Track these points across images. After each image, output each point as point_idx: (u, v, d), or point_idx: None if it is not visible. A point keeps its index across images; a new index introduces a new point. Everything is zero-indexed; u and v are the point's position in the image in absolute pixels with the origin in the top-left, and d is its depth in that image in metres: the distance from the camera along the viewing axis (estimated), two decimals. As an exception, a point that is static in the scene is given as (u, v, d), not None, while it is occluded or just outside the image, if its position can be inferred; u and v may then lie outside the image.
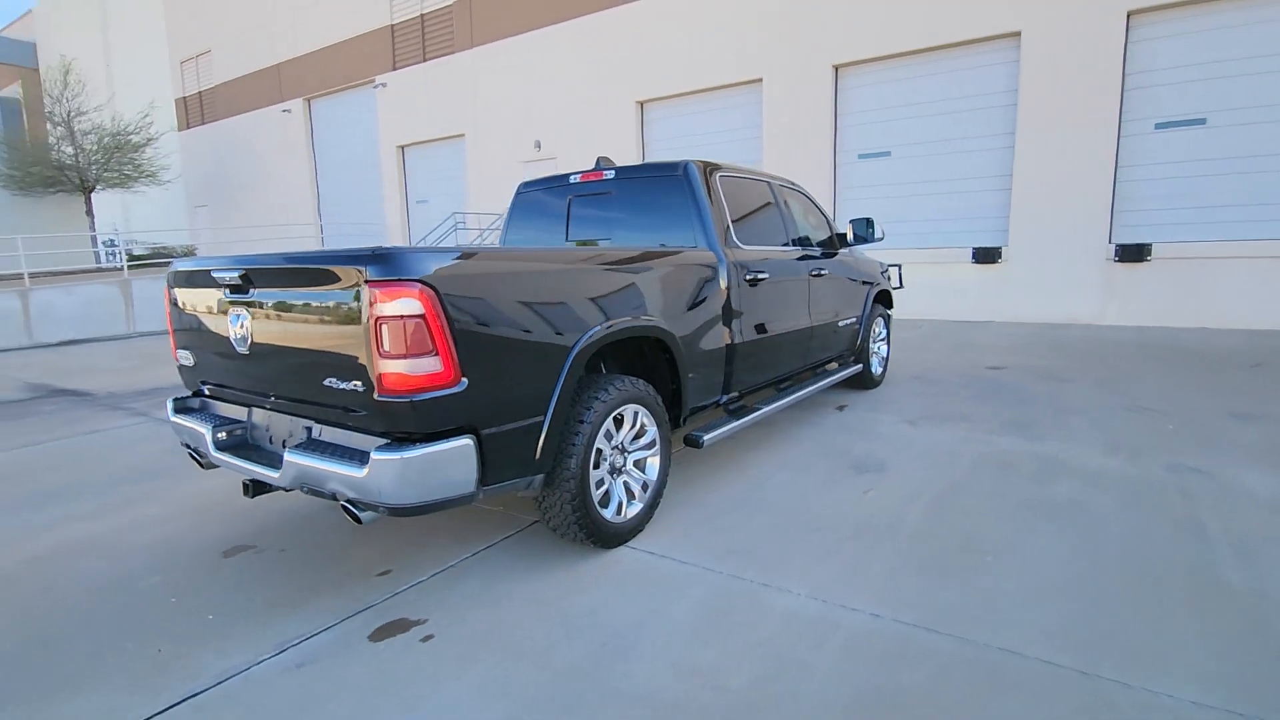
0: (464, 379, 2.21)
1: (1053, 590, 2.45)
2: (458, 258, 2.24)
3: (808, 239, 4.81)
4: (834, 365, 5.34)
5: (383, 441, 2.17)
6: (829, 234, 5.07)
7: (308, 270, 2.24)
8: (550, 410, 2.50)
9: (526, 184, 4.41)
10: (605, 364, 3.26)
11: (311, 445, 2.37)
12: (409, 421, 2.14)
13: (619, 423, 2.88)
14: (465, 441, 2.21)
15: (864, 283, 5.39)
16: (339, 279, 2.14)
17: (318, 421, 2.43)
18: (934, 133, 9.93)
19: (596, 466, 2.80)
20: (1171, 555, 2.68)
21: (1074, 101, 8.72)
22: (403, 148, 17.01)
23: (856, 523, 3.09)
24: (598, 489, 2.77)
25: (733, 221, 3.81)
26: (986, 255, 9.68)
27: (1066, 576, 2.54)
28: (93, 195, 19.85)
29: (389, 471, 2.09)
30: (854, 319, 5.23)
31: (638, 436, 3.02)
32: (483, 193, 15.16)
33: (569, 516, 2.67)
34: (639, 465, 3.06)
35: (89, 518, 3.47)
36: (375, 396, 2.12)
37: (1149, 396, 5.20)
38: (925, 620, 2.29)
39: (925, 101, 9.95)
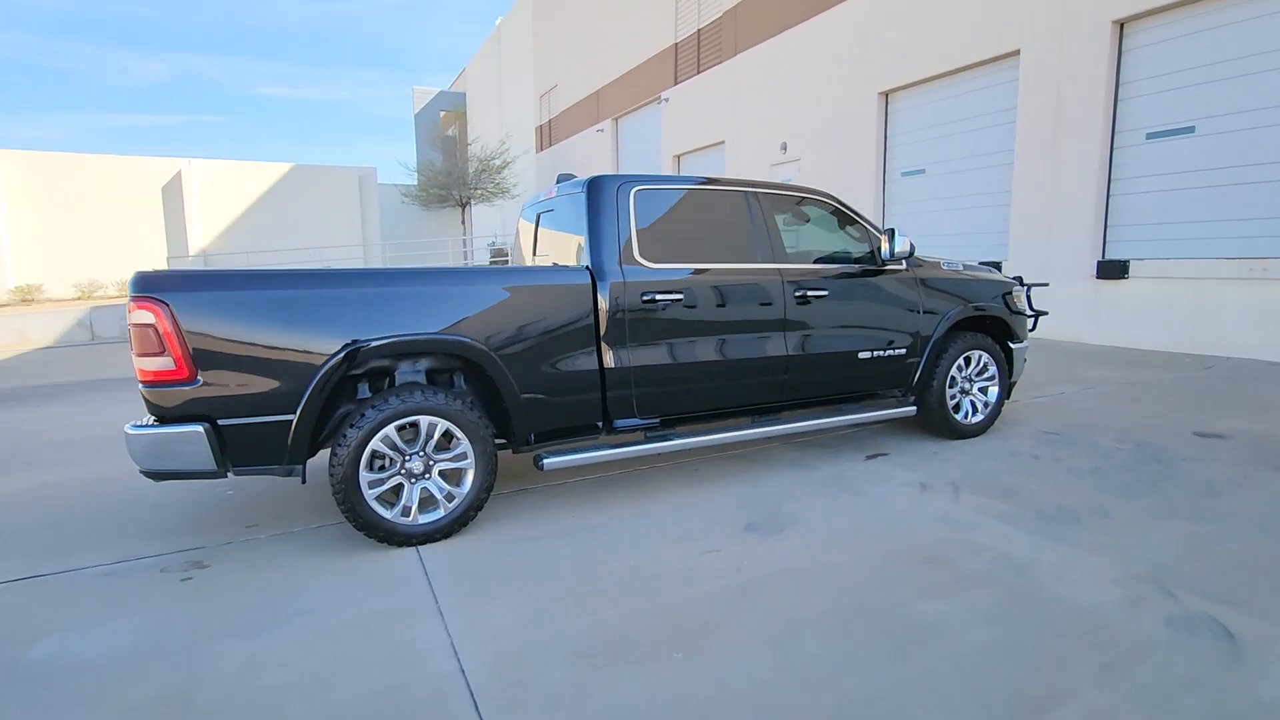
0: (199, 377, 2.72)
1: (667, 706, 1.95)
2: (203, 279, 2.75)
3: (818, 255, 4.14)
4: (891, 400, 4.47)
5: (147, 419, 2.81)
6: (869, 249, 4.24)
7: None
8: (299, 410, 2.85)
9: (527, 203, 4.69)
10: (465, 378, 3.43)
11: None
12: (152, 406, 2.74)
13: (411, 430, 3.07)
14: (196, 428, 2.73)
15: (926, 309, 4.35)
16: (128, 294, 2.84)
17: None
18: (1258, 97, 7.05)
19: (382, 469, 3.05)
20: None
21: None
22: (678, 157, 18.18)
23: (637, 582, 2.76)
24: (372, 489, 3.01)
25: (646, 239, 3.57)
26: (1337, 271, 6.56)
27: (720, 699, 1.98)
28: (468, 209, 25.61)
29: (131, 443, 2.73)
30: (901, 350, 4.28)
31: (445, 448, 3.16)
32: (736, 198, 15.40)
33: (339, 508, 2.99)
34: (449, 476, 3.20)
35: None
36: (138, 384, 2.77)
37: (1396, 513, 3.19)
38: (494, 690, 2.07)
39: (1246, 56, 7.11)
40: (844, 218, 4.26)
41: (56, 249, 20.52)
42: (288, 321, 2.84)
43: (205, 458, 2.77)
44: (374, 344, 2.93)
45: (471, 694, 2.06)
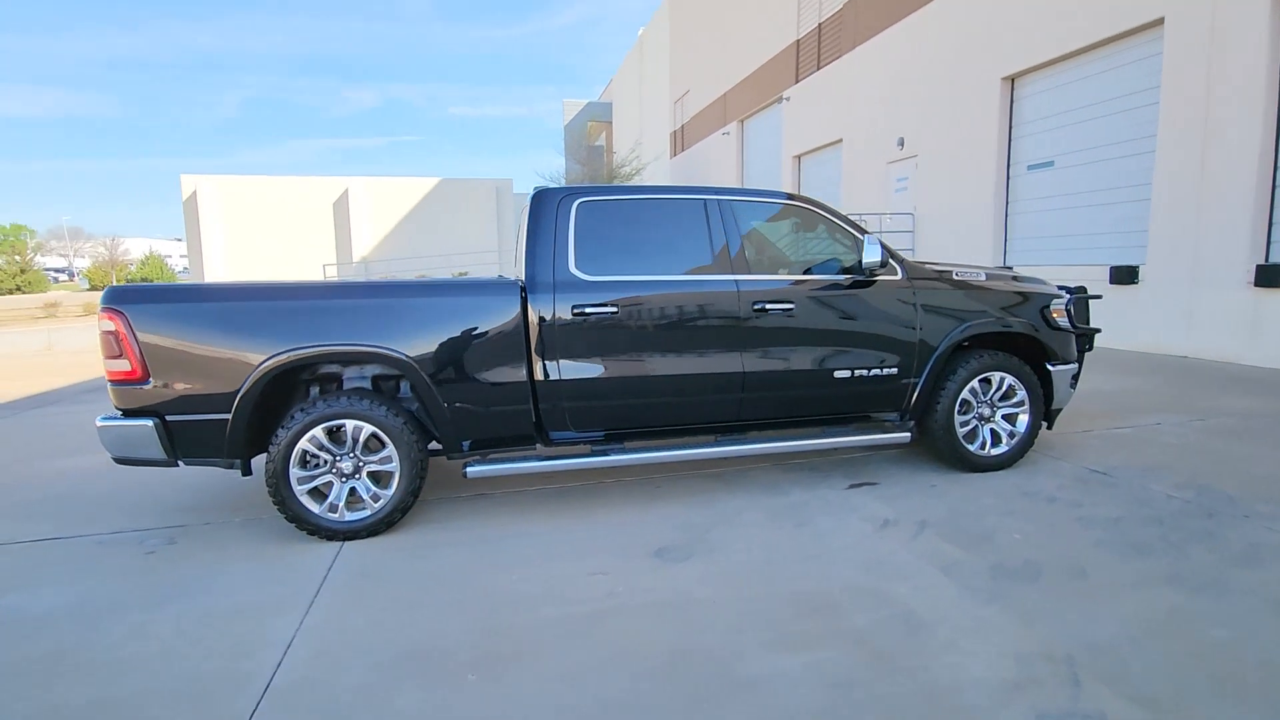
0: (151, 378, 3.11)
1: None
2: (158, 292, 3.14)
3: (797, 266, 3.86)
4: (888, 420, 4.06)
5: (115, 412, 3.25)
6: (857, 258, 3.86)
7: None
8: (233, 411, 3.16)
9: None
10: (411, 386, 3.60)
11: None
12: (114, 402, 3.17)
13: (337, 434, 3.28)
14: (145, 422, 3.12)
15: (927, 324, 3.86)
16: (105, 305, 3.29)
17: None
18: None
19: (316, 469, 3.29)
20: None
21: None
22: (798, 157, 17.53)
23: (501, 598, 2.76)
24: (302, 485, 3.26)
25: (585, 252, 3.54)
26: None
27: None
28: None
29: (100, 434, 3.18)
30: (891, 369, 3.86)
31: (375, 451, 3.34)
32: (853, 197, 14.59)
33: (271, 500, 3.28)
34: (380, 478, 3.38)
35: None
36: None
37: None
38: (286, 687, 2.18)
39: None
40: (829, 225, 3.92)
41: (246, 257, 24.21)
42: (223, 331, 3.16)
43: (156, 448, 3.17)
44: (291, 353, 3.17)
45: (266, 689, 2.18)
